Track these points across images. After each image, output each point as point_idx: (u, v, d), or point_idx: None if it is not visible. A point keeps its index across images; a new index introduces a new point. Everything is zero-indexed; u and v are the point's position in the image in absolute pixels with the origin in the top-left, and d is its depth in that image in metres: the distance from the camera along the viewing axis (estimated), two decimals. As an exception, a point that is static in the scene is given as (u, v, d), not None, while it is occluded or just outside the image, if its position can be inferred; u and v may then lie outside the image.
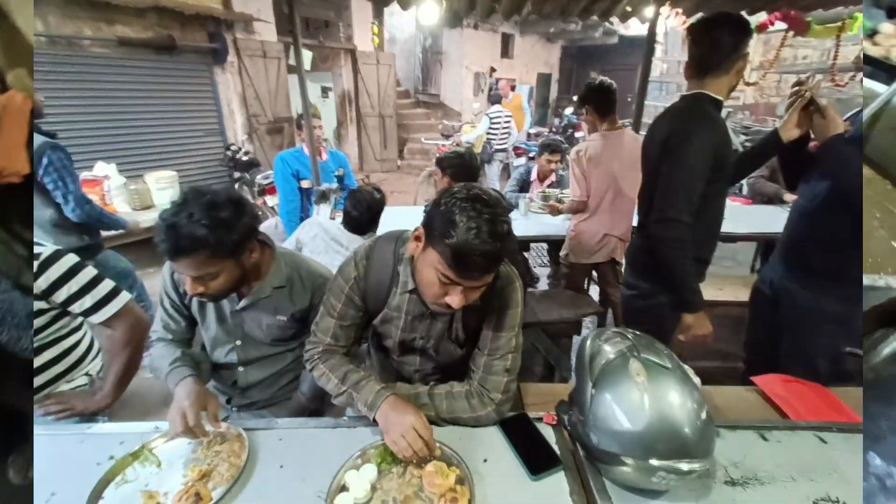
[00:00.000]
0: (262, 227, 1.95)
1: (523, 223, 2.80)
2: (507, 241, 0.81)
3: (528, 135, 8.43)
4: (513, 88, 7.34)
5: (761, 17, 2.83)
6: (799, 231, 1.55)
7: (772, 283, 1.63)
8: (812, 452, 0.95)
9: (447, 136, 7.16)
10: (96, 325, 1.26)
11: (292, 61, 5.92)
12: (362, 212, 1.81)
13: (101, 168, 3.74)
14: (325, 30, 7.66)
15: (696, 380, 0.87)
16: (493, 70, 10.78)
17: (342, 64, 7.89)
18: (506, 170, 5.93)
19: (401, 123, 9.26)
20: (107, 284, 1.24)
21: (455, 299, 0.83)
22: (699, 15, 3.04)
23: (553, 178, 3.30)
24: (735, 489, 0.85)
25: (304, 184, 2.78)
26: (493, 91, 6.39)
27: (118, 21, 4.46)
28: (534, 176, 3.36)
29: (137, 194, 3.69)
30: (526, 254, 3.84)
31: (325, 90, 8.04)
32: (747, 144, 5.28)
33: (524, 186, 3.38)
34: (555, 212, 2.72)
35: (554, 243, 3.09)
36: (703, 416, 0.81)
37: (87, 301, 1.19)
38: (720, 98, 1.39)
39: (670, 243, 1.37)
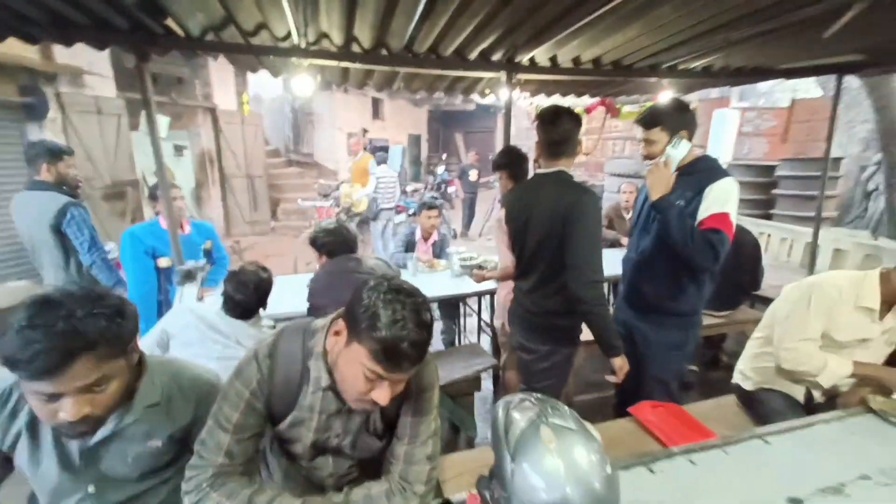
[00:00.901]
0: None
1: (413, 283, 2.82)
2: (433, 327, 0.82)
3: (405, 192, 8.79)
4: (385, 149, 7.56)
5: (587, 101, 3.56)
6: (634, 278, 1.89)
7: (624, 322, 1.93)
8: (688, 476, 1.11)
9: (325, 196, 7.04)
10: None
11: (142, 122, 5.30)
12: (248, 295, 1.61)
13: None
14: (178, 86, 7.07)
15: (596, 434, 0.96)
16: (365, 131, 11.14)
17: (200, 123, 7.32)
18: (388, 227, 6.06)
19: (272, 184, 8.85)
20: None
21: (382, 394, 0.80)
22: (541, 96, 3.69)
23: (436, 236, 3.47)
24: (640, 529, 0.94)
25: (163, 262, 2.41)
26: (377, 153, 6.54)
27: None
28: (418, 235, 3.49)
29: None
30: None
31: (178, 148, 7.28)
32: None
33: (410, 246, 3.48)
34: (480, 279, 2.53)
35: (445, 302, 3.19)
36: (608, 469, 0.89)
37: None
38: (571, 173, 1.67)
39: (599, 301, 1.55)
